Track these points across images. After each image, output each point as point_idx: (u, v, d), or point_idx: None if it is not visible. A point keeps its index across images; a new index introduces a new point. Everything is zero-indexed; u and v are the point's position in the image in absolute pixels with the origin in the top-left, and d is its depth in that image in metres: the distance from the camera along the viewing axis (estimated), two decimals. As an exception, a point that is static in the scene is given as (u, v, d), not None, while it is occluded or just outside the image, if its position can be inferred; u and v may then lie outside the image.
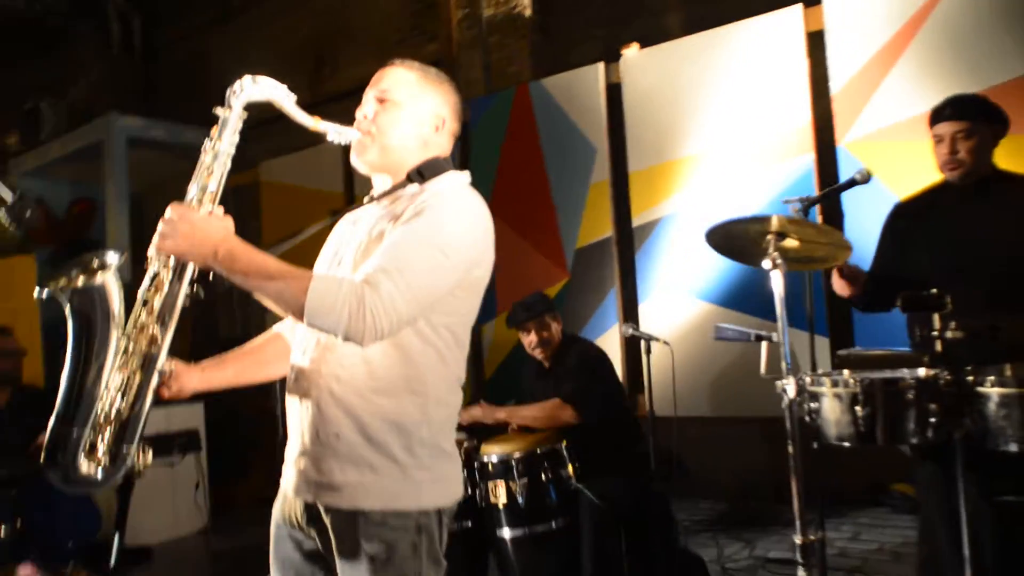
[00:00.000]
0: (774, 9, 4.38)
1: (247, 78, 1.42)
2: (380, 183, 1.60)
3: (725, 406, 4.35)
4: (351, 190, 6.09)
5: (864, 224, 3.74)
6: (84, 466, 1.36)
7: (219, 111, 1.42)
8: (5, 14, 7.39)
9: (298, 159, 6.38)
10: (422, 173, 1.51)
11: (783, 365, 1.82)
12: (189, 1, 7.83)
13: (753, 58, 4.43)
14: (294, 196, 6.44)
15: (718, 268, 4.41)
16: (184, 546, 4.66)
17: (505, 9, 5.74)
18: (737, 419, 4.35)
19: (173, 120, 6.84)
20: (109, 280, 1.38)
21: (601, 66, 4.97)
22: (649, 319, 4.63)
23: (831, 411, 1.77)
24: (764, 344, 2.09)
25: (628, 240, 4.82)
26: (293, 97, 1.45)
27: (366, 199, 1.56)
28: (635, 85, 4.86)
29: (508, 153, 5.29)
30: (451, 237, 1.40)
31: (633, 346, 4.59)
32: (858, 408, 1.72)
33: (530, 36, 5.69)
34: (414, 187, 1.52)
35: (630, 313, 4.80)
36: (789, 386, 1.74)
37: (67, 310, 1.35)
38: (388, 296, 1.31)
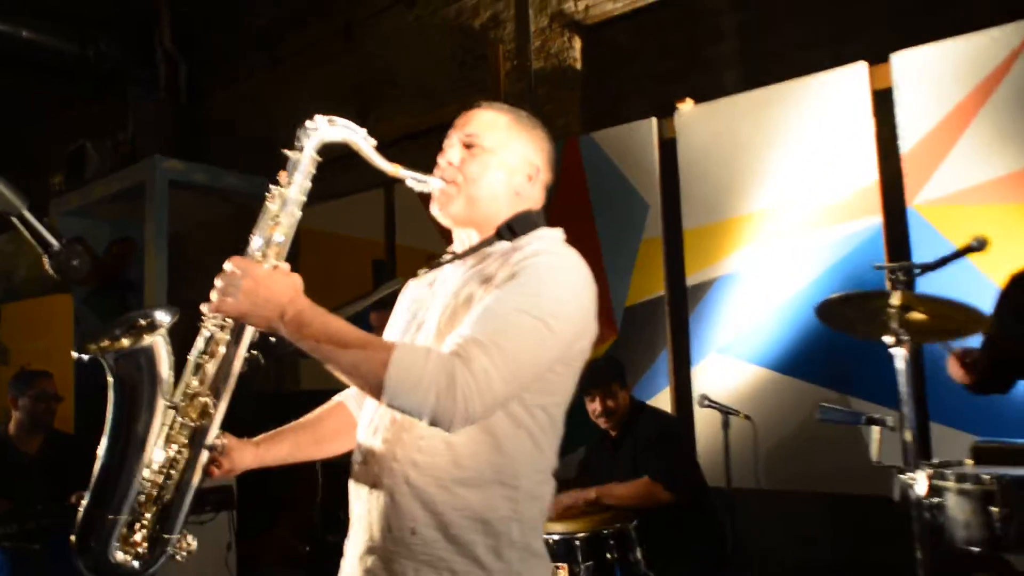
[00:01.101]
0: (836, 66, 4.22)
1: (321, 118, 1.26)
2: (463, 238, 1.42)
3: (783, 480, 4.07)
4: (392, 238, 5.98)
5: (938, 289, 3.53)
6: (119, 555, 1.17)
7: (288, 153, 1.25)
8: (60, 57, 7.49)
9: (338, 206, 6.28)
10: (513, 229, 1.33)
11: (901, 453, 1.60)
12: (233, 48, 7.89)
13: (815, 116, 4.27)
14: (334, 244, 6.33)
15: (776, 332, 4.20)
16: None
17: (555, 62, 5.65)
18: (795, 493, 4.08)
19: (214, 164, 6.88)
20: (158, 342, 1.20)
21: (654, 121, 4.84)
22: (701, 383, 4.40)
23: (959, 510, 1.54)
24: (875, 428, 1.87)
25: (681, 300, 4.62)
26: (372, 141, 1.29)
27: (446, 256, 1.38)
28: (690, 141, 4.72)
29: (556, 206, 5.09)
30: (554, 305, 1.21)
31: (686, 413, 4.37)
32: (994, 509, 1.49)
33: (580, 89, 5.59)
34: (504, 244, 1.33)
35: (681, 376, 4.58)
36: (919, 482, 1.51)
37: (109, 375, 1.17)
38: (482, 373, 1.11)
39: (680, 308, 4.63)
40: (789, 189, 4.32)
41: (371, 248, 6.02)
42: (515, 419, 1.24)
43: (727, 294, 4.45)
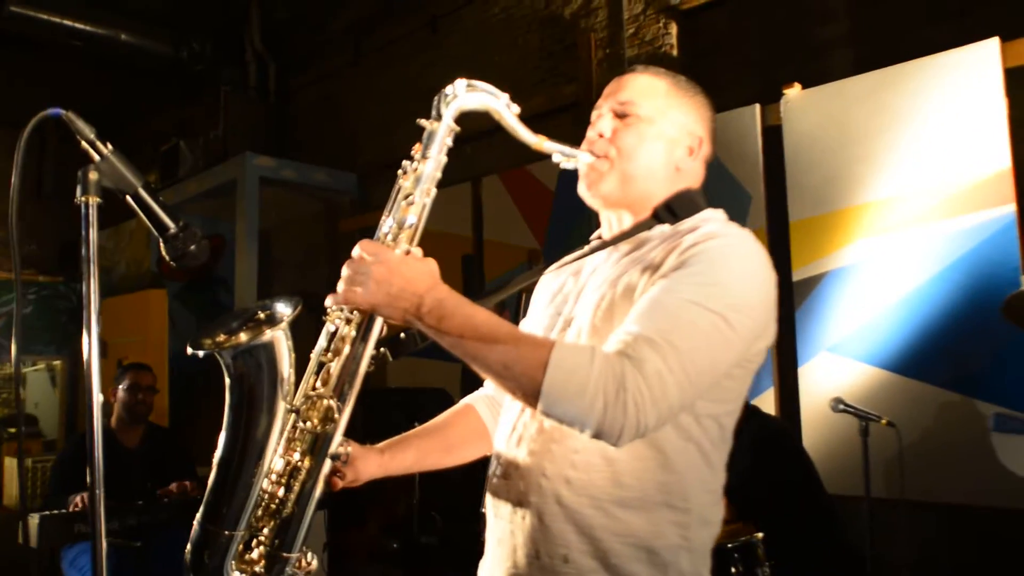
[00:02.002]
0: (962, 44, 3.89)
1: (460, 83, 1.11)
2: (612, 221, 1.24)
3: (910, 490, 3.78)
4: (480, 233, 5.86)
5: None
6: (235, 574, 1.05)
7: (424, 123, 1.11)
8: (155, 59, 7.68)
9: (425, 201, 6.19)
10: (673, 210, 1.15)
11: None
12: (320, 46, 7.92)
13: (937, 99, 3.96)
14: (421, 240, 6.27)
15: (895, 330, 3.93)
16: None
17: (649, 49, 5.43)
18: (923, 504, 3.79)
19: (303, 160, 6.93)
20: (279, 338, 1.06)
21: (757, 107, 4.59)
22: (808, 384, 4.15)
23: None
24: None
25: (787, 295, 4.35)
26: (515, 108, 1.13)
27: (592, 243, 1.21)
28: (797, 128, 4.45)
29: (652, 198, 4.93)
30: (735, 298, 1.02)
31: (792, 415, 4.13)
32: None
33: (676, 77, 5.36)
34: (664, 228, 1.15)
35: (787, 376, 4.33)
36: None
37: (226, 373, 1.05)
38: (656, 378, 0.94)
39: (785, 304, 4.36)
40: (909, 177, 4.02)
41: (459, 243, 5.91)
42: (684, 431, 1.06)
43: (839, 289, 4.18)
